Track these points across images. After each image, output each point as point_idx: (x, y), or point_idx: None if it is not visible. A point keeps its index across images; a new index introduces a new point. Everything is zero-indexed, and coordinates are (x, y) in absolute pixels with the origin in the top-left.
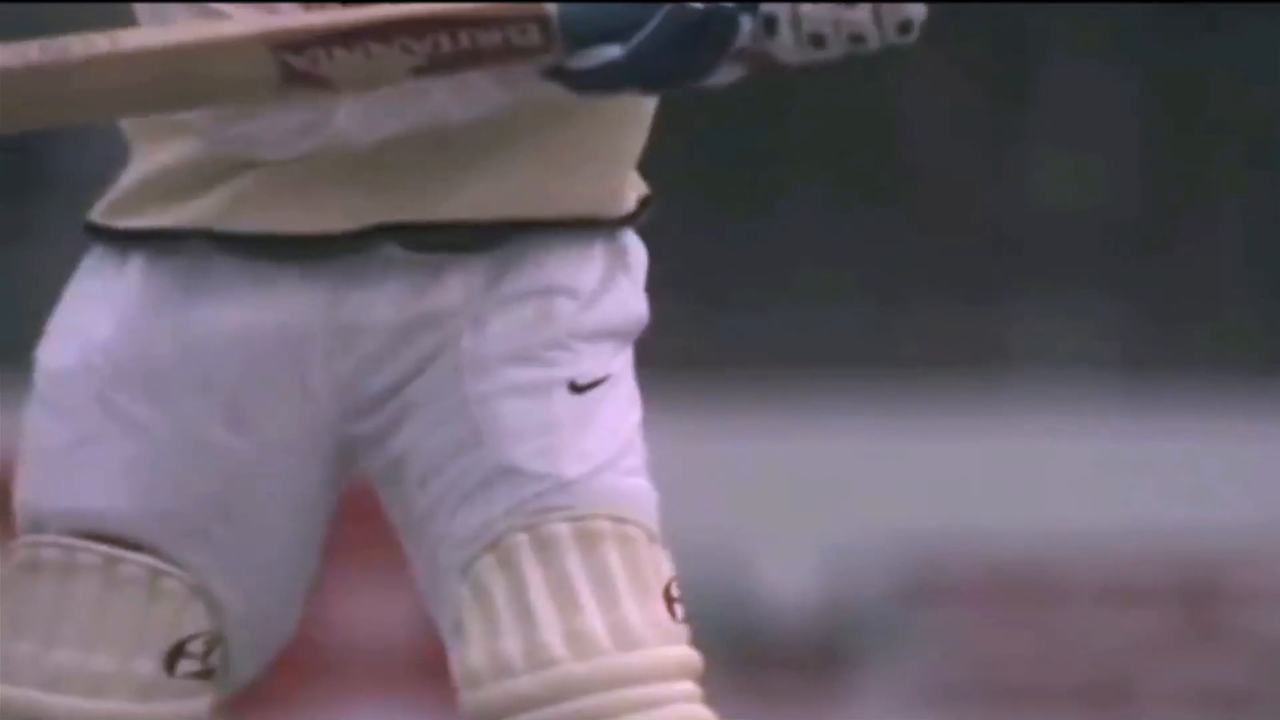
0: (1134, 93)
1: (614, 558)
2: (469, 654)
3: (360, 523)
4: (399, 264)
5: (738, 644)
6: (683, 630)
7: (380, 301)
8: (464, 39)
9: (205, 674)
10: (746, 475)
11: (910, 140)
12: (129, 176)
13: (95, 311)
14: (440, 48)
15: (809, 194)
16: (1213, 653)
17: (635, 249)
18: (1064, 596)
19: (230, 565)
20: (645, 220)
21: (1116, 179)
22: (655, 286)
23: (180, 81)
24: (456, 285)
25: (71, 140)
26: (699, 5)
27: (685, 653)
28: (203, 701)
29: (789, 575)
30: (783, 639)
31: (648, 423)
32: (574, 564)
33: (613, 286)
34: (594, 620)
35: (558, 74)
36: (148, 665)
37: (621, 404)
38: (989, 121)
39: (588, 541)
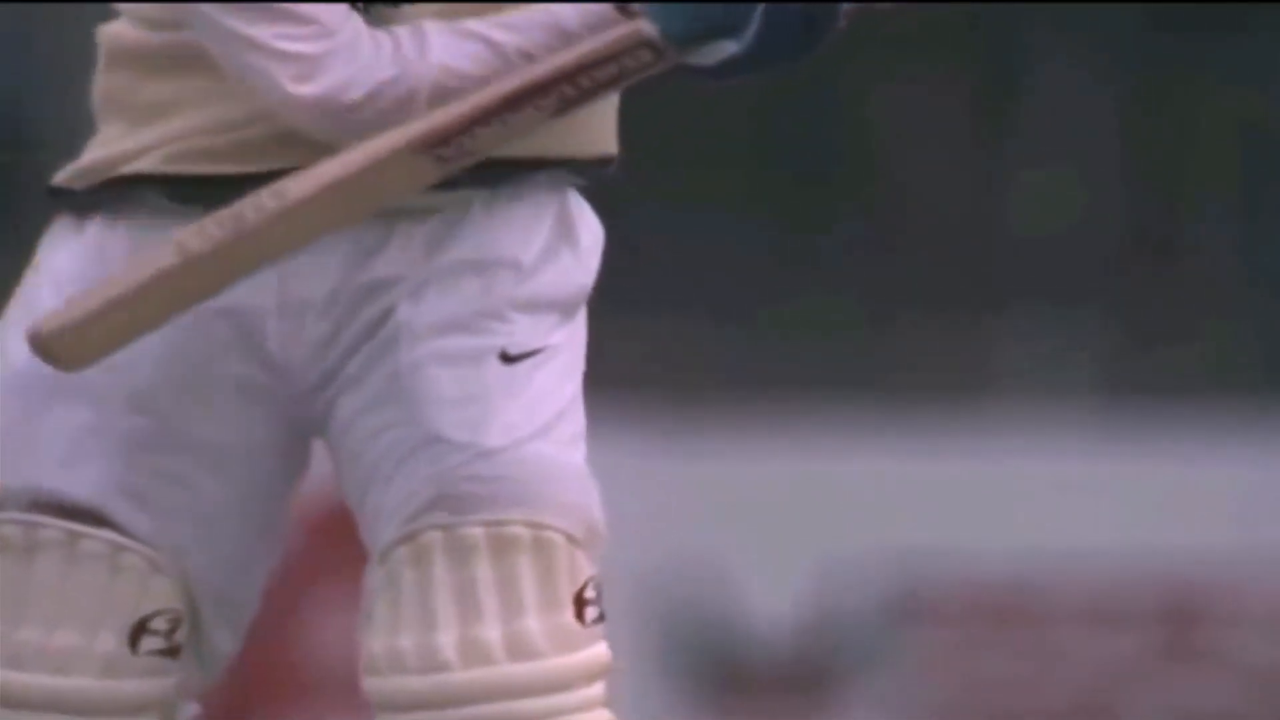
0: (1117, 112)
1: (525, 566)
2: (371, 642)
3: (339, 544)
4: (348, 230)
5: (723, 664)
6: (591, 633)
7: (328, 272)
8: (584, 81)
9: (170, 652)
10: (732, 495)
11: (891, 161)
12: (91, 154)
13: (44, 284)
14: (565, 94)
15: (798, 215)
16: (1195, 676)
17: (586, 222)
18: (1048, 618)
19: (190, 536)
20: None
21: (1099, 199)
22: (644, 306)
23: (346, 207)
24: (398, 254)
25: (65, 143)
26: (796, 8)
27: (589, 657)
28: (169, 681)
29: (774, 595)
30: (768, 659)
31: (636, 444)
32: (483, 570)
33: (555, 258)
34: (491, 629)
35: (679, 68)
36: (110, 642)
37: (556, 376)
38: (970, 141)
39: (501, 548)
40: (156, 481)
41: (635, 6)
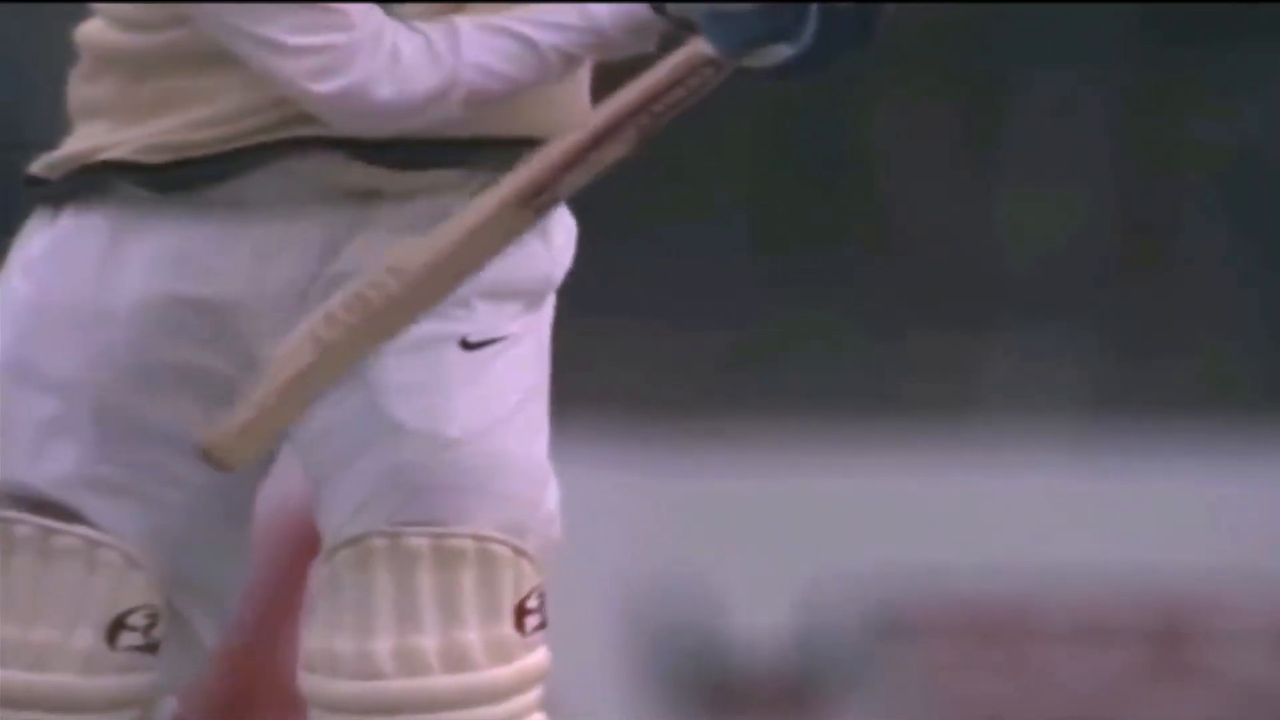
0: (1107, 128)
1: (468, 578)
2: (309, 639)
3: None
4: (319, 221)
5: (712, 680)
6: (529, 642)
7: (300, 265)
8: (657, 107)
9: (149, 648)
10: (721, 512)
11: (881, 178)
12: (68, 146)
13: (15, 274)
14: (642, 123)
15: (788, 230)
16: (1183, 693)
17: (560, 216)
18: (1037, 634)
19: (168, 528)
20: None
21: (1089, 214)
22: (634, 322)
23: (458, 271)
24: (364, 244)
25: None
26: (849, 5)
27: (525, 666)
28: (148, 677)
29: (763, 611)
30: (757, 675)
31: (624, 460)
32: (425, 581)
33: (523, 247)
34: (428, 640)
35: (737, 70)
36: (88, 638)
37: (517, 365)
38: (961, 157)
39: (445, 560)
40: (132, 474)
41: (671, 7)
